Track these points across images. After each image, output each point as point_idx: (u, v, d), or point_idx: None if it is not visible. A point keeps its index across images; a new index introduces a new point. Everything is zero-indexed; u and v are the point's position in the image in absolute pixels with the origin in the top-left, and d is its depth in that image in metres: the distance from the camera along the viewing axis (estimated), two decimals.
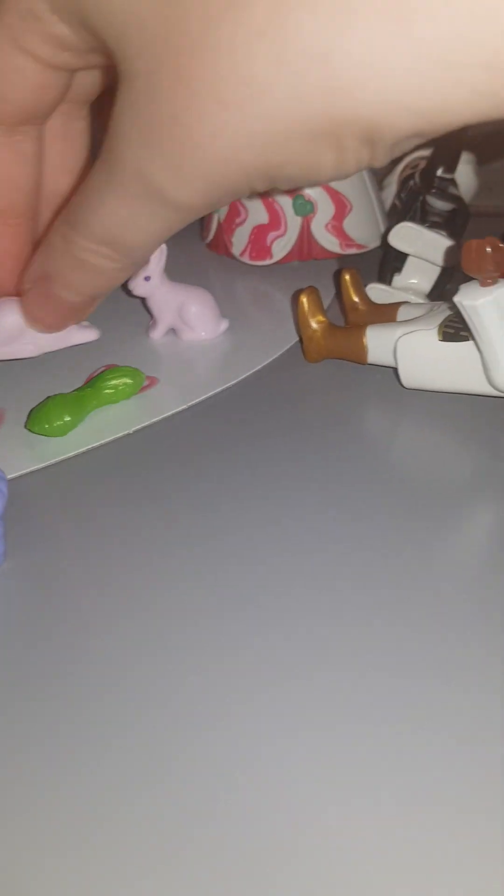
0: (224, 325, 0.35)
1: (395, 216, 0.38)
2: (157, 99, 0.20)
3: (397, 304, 0.33)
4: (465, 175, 0.41)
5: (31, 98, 0.25)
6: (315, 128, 0.19)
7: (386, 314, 0.33)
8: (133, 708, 0.20)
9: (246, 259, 0.40)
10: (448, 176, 0.37)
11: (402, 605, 0.22)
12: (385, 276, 0.36)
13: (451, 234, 0.35)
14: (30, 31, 0.23)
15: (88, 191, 0.24)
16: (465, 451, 0.29)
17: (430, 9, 0.17)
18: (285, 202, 0.38)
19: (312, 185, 0.25)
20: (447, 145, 0.38)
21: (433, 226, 0.35)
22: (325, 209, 0.38)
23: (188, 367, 0.33)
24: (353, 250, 0.39)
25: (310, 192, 0.38)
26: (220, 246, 0.41)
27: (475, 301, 0.25)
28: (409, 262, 0.36)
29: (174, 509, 0.26)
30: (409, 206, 0.37)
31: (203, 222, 0.43)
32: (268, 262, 0.39)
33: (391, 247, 0.35)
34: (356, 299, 0.34)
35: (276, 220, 0.38)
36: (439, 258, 0.35)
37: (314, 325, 0.32)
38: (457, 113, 0.18)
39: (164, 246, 0.33)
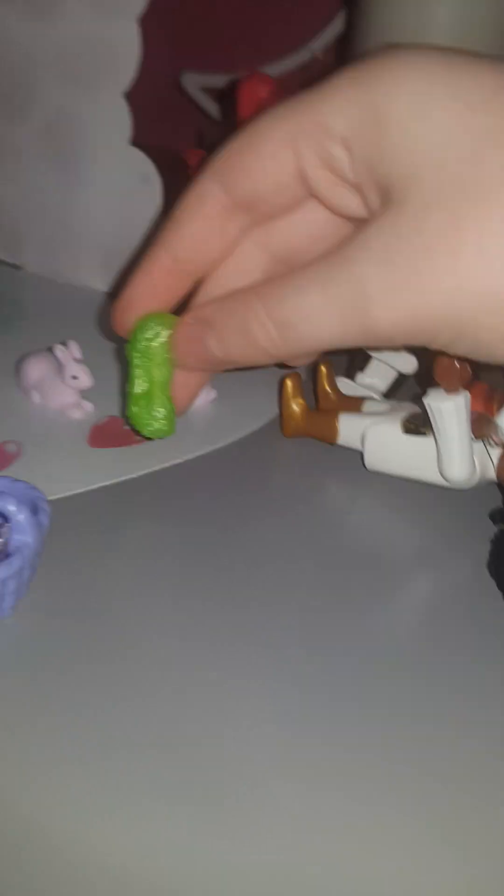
0: (212, 394, 0.40)
1: None
2: (419, 230, 0.21)
3: (363, 398, 0.39)
4: None
5: (265, 194, 0.26)
6: None
7: (352, 405, 0.38)
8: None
9: None
10: None
11: (336, 666, 0.27)
12: (351, 373, 0.42)
13: (410, 348, 0.41)
14: (313, 140, 0.24)
15: (300, 277, 0.24)
16: (413, 529, 0.34)
17: None
18: None
19: (473, 356, 0.25)
20: None
21: None
22: None
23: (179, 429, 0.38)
24: None
25: None
26: None
27: (441, 404, 0.31)
28: (373, 364, 0.42)
29: (136, 563, 0.30)
30: None
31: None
32: None
33: (360, 350, 0.41)
34: (328, 389, 0.39)
35: None
36: (398, 364, 0.41)
37: (294, 406, 0.37)
38: None
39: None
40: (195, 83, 0.81)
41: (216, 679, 0.25)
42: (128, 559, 0.30)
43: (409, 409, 0.36)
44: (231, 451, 0.37)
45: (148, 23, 0.43)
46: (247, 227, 0.27)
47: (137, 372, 0.28)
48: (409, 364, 0.41)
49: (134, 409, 0.28)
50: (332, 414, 0.37)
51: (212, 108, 0.81)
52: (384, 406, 0.38)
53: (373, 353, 0.41)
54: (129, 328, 0.28)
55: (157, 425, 0.29)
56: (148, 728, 0.23)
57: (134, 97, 0.45)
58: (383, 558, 0.32)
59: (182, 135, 0.85)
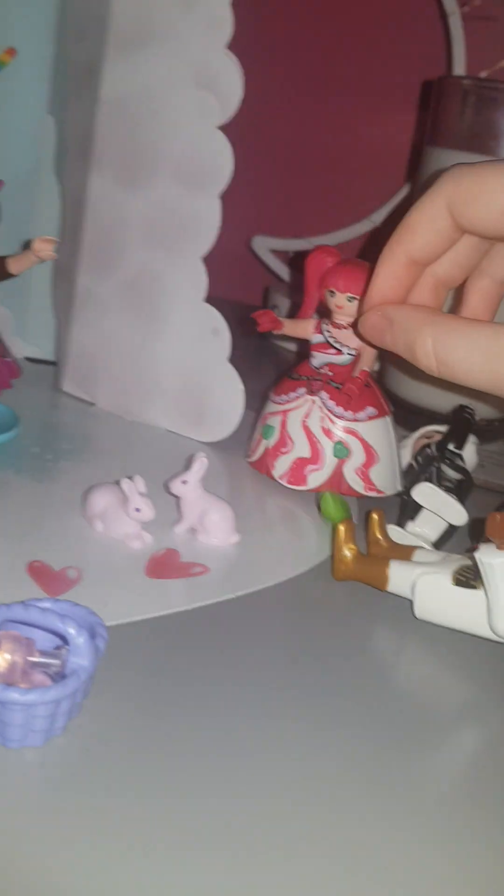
0: (236, 537, 0.41)
1: (411, 475, 0.46)
2: None
3: (414, 547, 0.40)
4: (469, 452, 0.49)
5: (483, 231, 0.34)
6: None
7: (403, 553, 0.39)
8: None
9: (284, 482, 0.47)
10: (458, 451, 0.45)
11: (376, 817, 0.27)
12: (402, 522, 0.43)
13: (458, 499, 0.42)
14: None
15: (467, 330, 0.32)
16: (459, 682, 0.34)
17: None
18: (326, 444, 0.46)
19: None
20: (459, 427, 0.46)
21: (446, 490, 0.43)
22: (357, 456, 0.46)
23: (232, 565, 0.39)
24: (373, 493, 0.46)
25: (348, 441, 0.46)
26: (262, 466, 0.48)
27: (493, 560, 0.32)
28: (423, 513, 0.43)
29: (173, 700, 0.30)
30: (424, 469, 0.44)
31: (251, 444, 0.50)
32: (302, 488, 0.46)
33: (411, 498, 0.42)
34: (380, 536, 0.40)
35: (316, 457, 0.46)
36: (449, 516, 0.42)
37: (346, 551, 0.38)
38: None
39: (205, 459, 0.40)
40: (265, 246, 0.88)
41: (253, 821, 0.25)
42: (175, 688, 0.30)
43: (460, 561, 0.37)
44: (283, 590, 0.38)
45: (228, 191, 0.48)
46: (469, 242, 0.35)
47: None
48: (459, 516, 0.42)
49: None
50: (384, 561, 0.38)
51: (279, 268, 0.87)
52: (435, 556, 0.39)
53: (424, 504, 0.42)
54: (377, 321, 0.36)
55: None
56: (190, 853, 0.23)
57: (209, 256, 0.49)
58: (428, 709, 0.32)
59: (251, 291, 0.92)
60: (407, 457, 0.50)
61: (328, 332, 0.46)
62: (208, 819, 0.25)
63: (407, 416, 0.55)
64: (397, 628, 0.37)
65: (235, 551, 0.40)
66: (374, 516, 0.41)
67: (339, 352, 0.46)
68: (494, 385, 0.31)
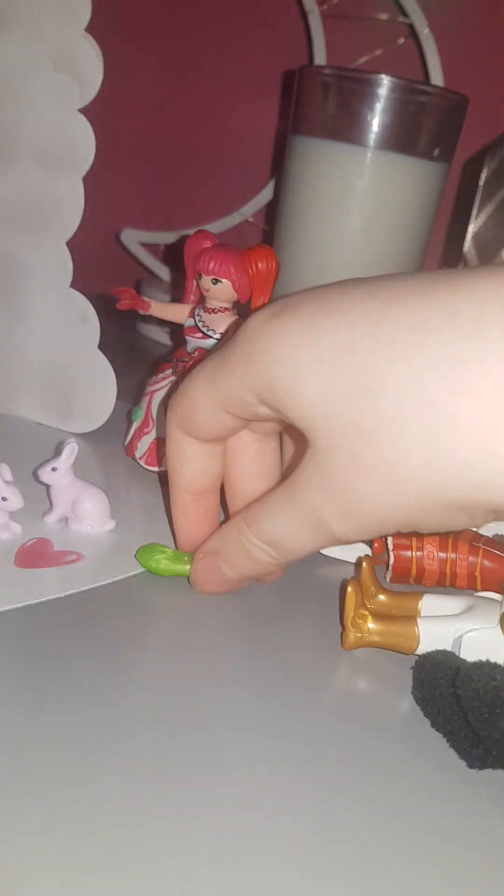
0: (111, 524, 0.40)
1: None
2: (334, 468, 0.27)
3: (419, 594, 0.35)
4: None
5: (224, 434, 0.34)
6: (455, 505, 0.26)
7: (408, 604, 0.35)
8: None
9: (142, 463, 0.46)
10: None
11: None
12: None
13: None
14: (236, 405, 0.31)
15: (269, 504, 0.31)
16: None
17: None
18: None
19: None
20: None
21: None
22: None
23: (109, 551, 0.38)
24: None
25: None
26: (130, 450, 0.47)
27: None
28: None
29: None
30: None
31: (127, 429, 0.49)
32: (157, 469, 0.46)
33: None
34: (374, 588, 0.35)
35: None
36: None
37: (360, 618, 0.33)
38: None
39: (75, 445, 0.39)
40: (135, 239, 0.87)
41: (118, 816, 0.24)
42: (48, 676, 0.29)
43: (489, 605, 0.33)
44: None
45: (95, 185, 0.47)
46: (223, 444, 0.34)
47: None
48: None
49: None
50: (405, 621, 0.33)
51: (150, 262, 0.87)
52: (450, 602, 0.34)
53: None
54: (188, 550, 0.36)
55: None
56: (57, 848, 0.22)
57: (75, 249, 0.48)
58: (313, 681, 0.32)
59: (123, 286, 0.90)
60: None
61: (199, 316, 0.46)
62: (81, 818, 0.24)
63: None
64: (285, 599, 0.37)
65: (111, 538, 0.39)
66: (365, 565, 0.35)
67: (207, 336, 0.45)
68: (324, 541, 0.30)
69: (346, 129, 0.54)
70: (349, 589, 0.33)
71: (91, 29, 0.46)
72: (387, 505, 0.27)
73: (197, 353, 0.46)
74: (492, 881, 0.24)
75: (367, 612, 0.33)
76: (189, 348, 0.47)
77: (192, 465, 0.34)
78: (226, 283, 0.43)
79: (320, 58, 0.76)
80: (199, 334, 0.46)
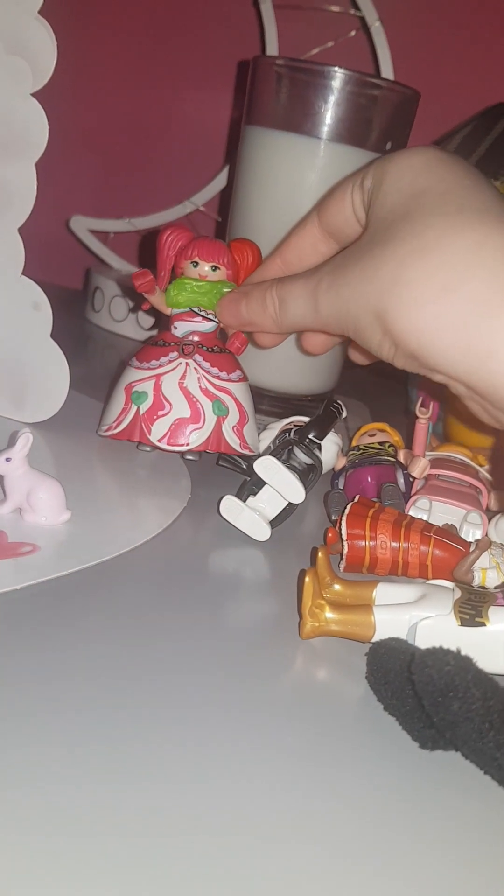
0: (67, 515, 0.39)
1: (265, 454, 0.46)
2: (360, 253, 0.36)
3: (373, 582, 0.35)
4: (328, 451, 0.50)
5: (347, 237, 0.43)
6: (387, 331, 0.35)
7: (362, 592, 0.35)
8: None
9: (164, 444, 0.46)
10: (317, 440, 0.46)
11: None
12: (242, 495, 0.43)
13: (303, 483, 0.43)
14: (357, 197, 0.40)
15: (301, 273, 0.40)
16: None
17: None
18: (206, 403, 0.46)
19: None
20: (325, 418, 0.47)
21: (290, 468, 0.43)
22: (233, 415, 0.47)
23: (65, 542, 0.38)
24: (246, 451, 0.47)
25: (225, 400, 0.47)
26: (131, 434, 0.47)
27: None
28: (265, 489, 0.43)
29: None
30: (279, 450, 0.45)
31: (106, 417, 0.48)
32: (182, 448, 0.46)
33: (255, 472, 0.42)
34: (329, 577, 0.35)
35: (197, 416, 0.46)
36: (287, 493, 0.42)
37: (317, 607, 0.33)
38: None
39: (29, 435, 0.39)
40: (84, 226, 0.86)
41: (98, 811, 0.25)
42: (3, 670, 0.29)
43: (441, 593, 0.33)
44: (121, 563, 0.37)
45: (44, 171, 0.47)
46: (334, 249, 0.44)
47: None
48: (297, 494, 0.42)
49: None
50: (361, 609, 0.33)
51: (99, 249, 0.86)
52: (404, 590, 0.35)
53: (262, 476, 0.42)
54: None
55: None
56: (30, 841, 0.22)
57: (26, 238, 0.48)
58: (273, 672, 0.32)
59: (72, 273, 0.89)
60: (267, 441, 0.50)
61: None
62: (48, 812, 0.24)
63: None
64: (242, 589, 0.37)
65: (67, 529, 0.39)
66: (321, 555, 0.35)
67: (207, 319, 0.47)
68: (307, 314, 0.39)
69: (299, 120, 0.54)
70: (306, 579, 0.33)
71: (45, 13, 0.45)
72: (362, 303, 0.35)
73: (192, 336, 0.48)
74: (442, 856, 0.24)
75: (324, 602, 0.33)
76: (179, 333, 0.48)
77: (301, 241, 0.44)
78: (222, 270, 0.47)
79: (272, 48, 0.76)
80: (198, 318, 0.48)
